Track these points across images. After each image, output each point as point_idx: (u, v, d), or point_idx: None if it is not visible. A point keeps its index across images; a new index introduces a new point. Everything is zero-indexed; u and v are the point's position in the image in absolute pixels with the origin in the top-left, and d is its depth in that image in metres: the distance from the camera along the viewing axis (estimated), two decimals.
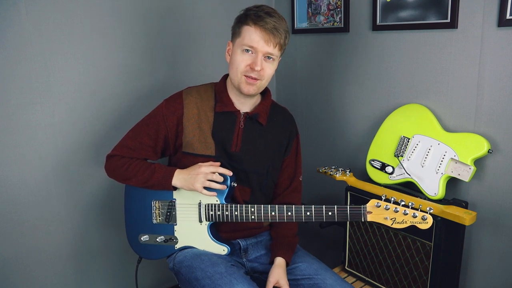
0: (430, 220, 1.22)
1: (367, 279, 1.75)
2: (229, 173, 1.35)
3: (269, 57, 1.33)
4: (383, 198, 1.26)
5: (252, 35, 1.30)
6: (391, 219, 1.24)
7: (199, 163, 1.35)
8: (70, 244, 1.76)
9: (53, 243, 1.72)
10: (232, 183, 1.38)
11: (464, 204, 1.56)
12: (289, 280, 1.39)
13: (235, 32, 1.36)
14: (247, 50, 1.32)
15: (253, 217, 1.35)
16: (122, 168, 1.41)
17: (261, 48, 1.30)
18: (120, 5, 1.73)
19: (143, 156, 1.44)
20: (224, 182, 1.35)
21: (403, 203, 1.24)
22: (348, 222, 1.77)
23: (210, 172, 1.33)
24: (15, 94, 1.54)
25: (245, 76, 1.33)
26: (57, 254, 1.73)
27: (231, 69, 1.37)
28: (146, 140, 1.42)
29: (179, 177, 1.37)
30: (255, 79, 1.33)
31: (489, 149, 1.48)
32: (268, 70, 1.35)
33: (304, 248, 1.56)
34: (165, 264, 1.53)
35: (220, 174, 1.34)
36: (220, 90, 1.44)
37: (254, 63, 1.31)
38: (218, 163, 1.36)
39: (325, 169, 1.83)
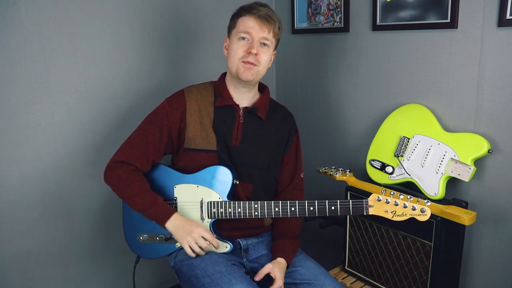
0: (428, 212, 1.26)
1: (367, 279, 1.75)
2: (217, 246, 1.37)
3: (264, 43, 1.38)
4: (383, 192, 1.29)
5: (247, 22, 1.37)
6: (391, 212, 1.28)
7: (198, 224, 1.37)
8: (70, 244, 1.76)
9: (53, 243, 1.72)
10: (235, 181, 1.39)
11: (464, 204, 1.56)
12: (287, 283, 1.39)
13: (231, 26, 1.43)
14: (243, 38, 1.37)
15: (256, 213, 1.36)
16: (124, 182, 1.38)
17: (256, 33, 1.36)
18: (120, 5, 1.73)
19: (149, 157, 1.42)
20: (226, 180, 1.38)
21: (402, 196, 1.28)
22: (348, 222, 1.77)
23: (202, 237, 1.34)
24: (15, 94, 1.54)
25: (242, 62, 1.37)
26: (56, 254, 1.73)
27: (229, 58, 1.41)
28: (150, 138, 1.42)
29: (174, 223, 1.36)
30: (253, 64, 1.37)
31: (489, 149, 1.48)
32: (264, 56, 1.39)
33: (304, 248, 1.56)
34: (164, 264, 1.53)
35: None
36: (219, 86, 1.47)
37: (250, 47, 1.36)
38: (216, 242, 1.37)
39: (325, 169, 1.83)
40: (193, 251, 1.36)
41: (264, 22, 1.36)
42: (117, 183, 1.41)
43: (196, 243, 1.34)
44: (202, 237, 1.35)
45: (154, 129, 1.42)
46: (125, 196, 1.41)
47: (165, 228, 1.38)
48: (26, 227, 1.63)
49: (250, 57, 1.36)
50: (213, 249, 1.38)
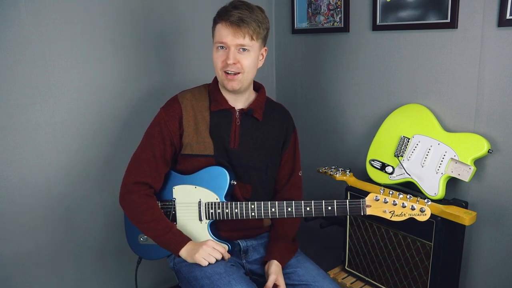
0: (428, 212, 1.22)
1: (367, 279, 1.75)
2: (227, 257, 1.38)
3: (243, 48, 1.34)
4: (382, 191, 1.27)
5: (221, 31, 1.33)
6: (390, 212, 1.25)
7: (211, 240, 1.37)
8: (70, 244, 1.76)
9: (53, 243, 1.72)
10: (232, 181, 1.39)
11: (464, 204, 1.56)
12: (286, 285, 1.38)
13: (212, 34, 1.40)
14: (221, 47, 1.35)
15: (253, 213, 1.35)
16: (139, 208, 1.37)
17: (231, 41, 1.32)
18: (120, 6, 1.73)
19: (160, 171, 1.41)
20: (223, 181, 1.38)
21: (401, 196, 1.25)
22: (348, 222, 1.77)
23: (214, 249, 1.34)
24: (15, 94, 1.54)
25: (224, 72, 1.35)
26: (57, 254, 1.73)
27: (214, 68, 1.39)
28: (157, 152, 1.40)
29: (187, 248, 1.35)
30: (235, 73, 1.35)
31: (489, 149, 1.48)
32: (245, 61, 1.35)
33: (304, 248, 1.56)
34: (165, 264, 1.53)
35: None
36: (213, 90, 1.45)
37: (227, 57, 1.33)
38: (228, 256, 1.38)
39: (325, 169, 1.83)
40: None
41: (237, 29, 1.30)
42: (132, 209, 1.39)
43: (210, 254, 1.33)
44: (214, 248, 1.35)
45: (157, 142, 1.40)
46: (139, 222, 1.39)
47: (178, 256, 1.37)
48: (26, 227, 1.64)
49: (229, 67, 1.33)
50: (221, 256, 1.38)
